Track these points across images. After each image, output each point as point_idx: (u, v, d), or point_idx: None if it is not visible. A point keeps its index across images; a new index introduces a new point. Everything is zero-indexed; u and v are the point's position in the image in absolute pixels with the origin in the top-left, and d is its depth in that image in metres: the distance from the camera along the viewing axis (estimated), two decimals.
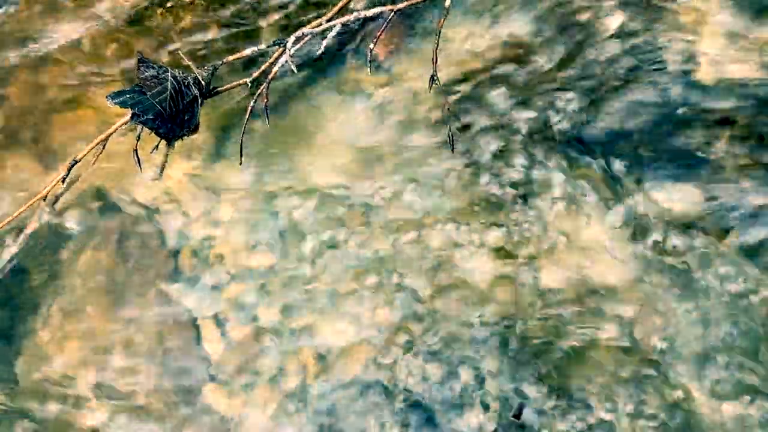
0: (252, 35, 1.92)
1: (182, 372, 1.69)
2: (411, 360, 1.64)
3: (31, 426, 1.67)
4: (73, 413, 1.67)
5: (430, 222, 1.72)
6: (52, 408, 1.68)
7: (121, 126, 1.70)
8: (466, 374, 1.62)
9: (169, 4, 1.95)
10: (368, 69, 1.71)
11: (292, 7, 1.93)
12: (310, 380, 1.65)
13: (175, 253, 1.77)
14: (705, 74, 1.75)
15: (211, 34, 1.94)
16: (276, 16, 1.94)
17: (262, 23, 1.93)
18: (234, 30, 1.93)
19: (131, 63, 1.92)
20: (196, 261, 1.76)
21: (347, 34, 1.84)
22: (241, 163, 1.74)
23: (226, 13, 1.94)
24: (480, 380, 1.61)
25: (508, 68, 1.80)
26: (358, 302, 1.69)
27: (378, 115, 1.82)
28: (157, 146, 1.69)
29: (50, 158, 1.87)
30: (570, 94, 1.76)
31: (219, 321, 1.71)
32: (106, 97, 1.61)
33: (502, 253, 1.68)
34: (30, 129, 1.90)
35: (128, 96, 1.61)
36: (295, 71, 1.62)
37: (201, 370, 1.68)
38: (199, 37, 1.94)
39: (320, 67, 1.85)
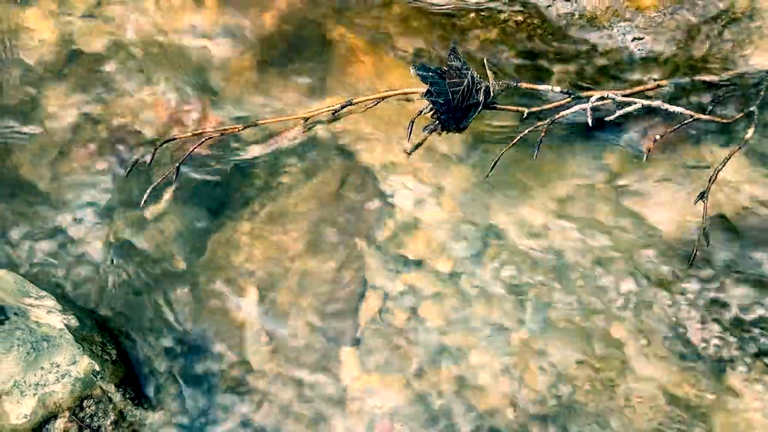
0: (540, 73, 1.99)
1: (332, 323, 1.77)
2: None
3: (191, 294, 1.82)
4: (229, 303, 1.80)
5: (617, 317, 1.71)
6: (215, 288, 1.82)
7: (406, 93, 1.82)
8: None
9: (484, 13, 2.06)
10: (644, 157, 1.74)
11: (589, 69, 1.99)
12: (441, 394, 1.68)
13: (381, 220, 1.87)
14: None
15: (506, 55, 2.02)
16: (570, 67, 2.00)
17: (555, 68, 2.00)
18: (527, 61, 2.01)
19: (422, 44, 2.04)
20: (394, 236, 1.85)
21: (636, 114, 1.88)
22: (487, 176, 1.81)
23: (529, 45, 2.02)
24: None
25: None
26: (515, 350, 1.71)
27: (618, 199, 1.83)
28: (429, 126, 1.79)
29: (318, 91, 2.03)
30: None
31: (386, 296, 1.78)
32: (413, 65, 1.74)
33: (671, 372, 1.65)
34: (311, 60, 2.06)
35: (431, 74, 1.72)
36: (591, 124, 1.68)
37: (349, 330, 1.76)
38: (494, 51, 2.03)
39: (593, 127, 1.88)
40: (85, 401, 1.55)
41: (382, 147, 1.95)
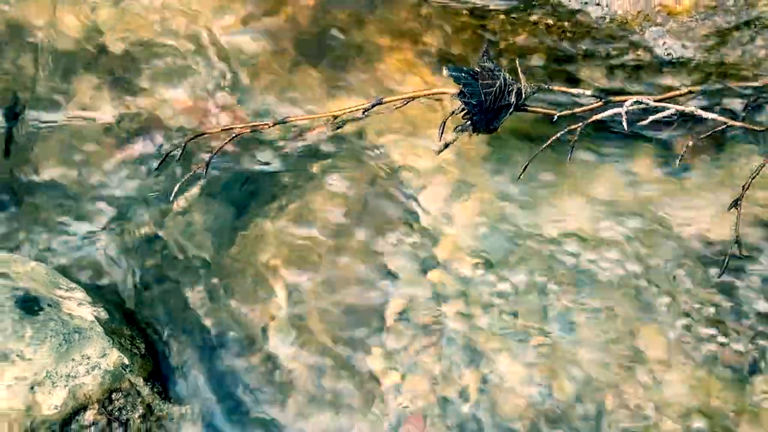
0: (569, 77, 1.98)
1: (359, 321, 1.77)
2: None
3: (218, 289, 1.82)
4: (256, 299, 1.80)
5: (646, 325, 1.71)
6: (242, 284, 1.82)
7: (436, 94, 1.82)
8: None
9: (513, 15, 2.06)
10: (676, 163, 1.73)
11: (619, 74, 1.98)
12: (465, 399, 1.68)
13: (408, 220, 1.86)
14: None
15: (535, 59, 2.02)
16: (600, 72, 1.99)
17: (585, 71, 1.99)
18: (557, 65, 2.01)
19: (450, 46, 2.04)
20: (419, 236, 1.84)
21: (668, 120, 1.87)
22: (518, 179, 1.81)
23: (559, 48, 2.02)
24: None
25: None
26: (542, 356, 1.70)
27: (648, 205, 1.82)
28: (460, 127, 1.79)
29: (346, 90, 2.03)
30: None
31: (411, 297, 1.78)
32: (445, 66, 1.73)
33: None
34: (339, 59, 2.07)
35: (463, 75, 1.72)
36: (626, 128, 1.67)
37: (376, 329, 1.76)
38: (523, 54, 2.03)
39: (623, 133, 1.87)
40: (114, 394, 1.56)
41: (410, 146, 1.95)
